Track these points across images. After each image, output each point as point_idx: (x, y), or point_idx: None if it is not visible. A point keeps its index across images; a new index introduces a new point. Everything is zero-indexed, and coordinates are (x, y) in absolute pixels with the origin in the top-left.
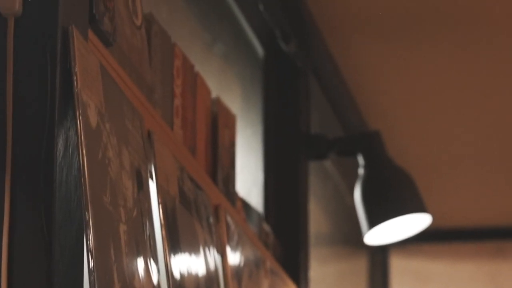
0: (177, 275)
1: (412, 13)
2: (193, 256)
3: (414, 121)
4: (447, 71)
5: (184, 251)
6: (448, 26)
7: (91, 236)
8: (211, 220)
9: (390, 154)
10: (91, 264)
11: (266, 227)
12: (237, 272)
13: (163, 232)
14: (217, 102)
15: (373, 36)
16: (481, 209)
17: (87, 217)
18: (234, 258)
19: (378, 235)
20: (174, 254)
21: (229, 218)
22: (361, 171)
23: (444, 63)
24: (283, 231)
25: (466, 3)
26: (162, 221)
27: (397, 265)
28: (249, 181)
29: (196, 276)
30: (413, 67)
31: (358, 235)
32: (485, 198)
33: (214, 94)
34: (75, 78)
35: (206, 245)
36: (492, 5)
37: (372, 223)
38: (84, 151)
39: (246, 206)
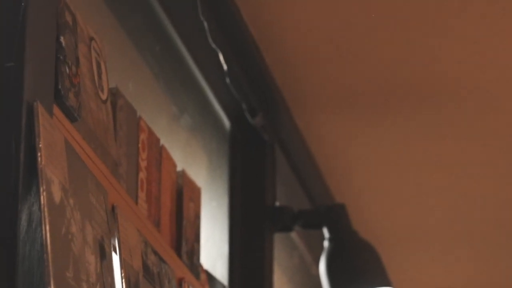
0: None
1: (379, 89)
2: None
3: (379, 194)
4: (412, 147)
5: None
6: (414, 102)
7: None
8: None
9: (354, 227)
10: None
11: None
12: None
13: None
14: (183, 175)
15: (339, 110)
16: (446, 282)
17: None
18: None
19: None
20: None
21: None
22: (326, 243)
23: (409, 138)
24: None
25: (433, 82)
26: None
27: None
28: (214, 253)
29: None
30: (378, 141)
31: None
32: (450, 272)
33: (180, 167)
34: (39, 154)
35: None
36: (459, 86)
37: None
38: (47, 227)
39: (211, 278)
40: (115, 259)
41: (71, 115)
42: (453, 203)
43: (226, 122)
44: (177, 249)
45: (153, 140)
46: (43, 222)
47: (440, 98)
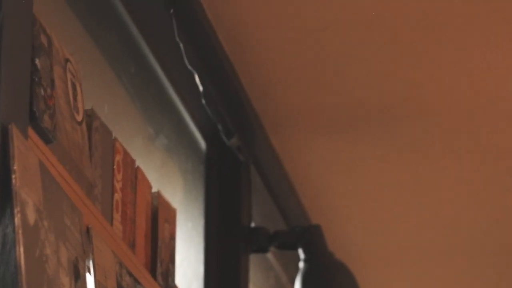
0: None
1: (354, 111)
2: None
3: (355, 215)
4: (388, 167)
5: None
6: (390, 124)
7: None
8: None
9: (330, 248)
10: None
11: None
12: None
13: None
14: (158, 196)
15: (315, 131)
16: None
17: None
18: None
19: None
20: None
21: None
22: (301, 264)
23: (386, 159)
24: None
25: (410, 103)
26: None
27: None
28: (189, 274)
29: None
30: (354, 162)
31: None
32: None
33: (155, 188)
34: (13, 176)
35: None
36: (435, 108)
37: None
38: (21, 249)
39: None
40: (90, 280)
41: (46, 137)
42: (430, 223)
43: (202, 143)
44: (152, 270)
45: (129, 162)
46: (17, 244)
47: (416, 120)
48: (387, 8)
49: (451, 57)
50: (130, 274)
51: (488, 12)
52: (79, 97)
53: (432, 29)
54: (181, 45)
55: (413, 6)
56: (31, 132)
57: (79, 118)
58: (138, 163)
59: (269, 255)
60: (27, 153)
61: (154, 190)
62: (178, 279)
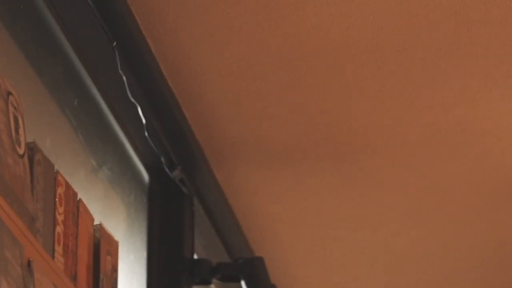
0: None
1: (298, 144)
2: None
3: (298, 248)
4: (331, 200)
5: None
6: (334, 157)
7: None
8: None
9: (272, 280)
10: None
11: None
12: None
13: None
14: (100, 228)
15: (258, 163)
16: None
17: None
18: None
19: None
20: None
21: None
22: None
23: (328, 191)
24: None
25: (353, 137)
26: None
27: None
28: None
29: None
30: (299, 196)
31: None
32: None
33: (98, 220)
34: None
35: None
36: (380, 142)
37: None
38: None
39: None
40: None
41: None
42: (373, 257)
43: (145, 175)
44: None
45: (71, 194)
46: None
47: (359, 153)
48: (328, 42)
49: (394, 91)
50: None
51: (431, 46)
52: (21, 130)
53: (374, 63)
54: (124, 77)
55: (353, 40)
56: None
57: (21, 151)
58: (80, 195)
59: (212, 287)
60: None
61: (96, 222)
62: None
